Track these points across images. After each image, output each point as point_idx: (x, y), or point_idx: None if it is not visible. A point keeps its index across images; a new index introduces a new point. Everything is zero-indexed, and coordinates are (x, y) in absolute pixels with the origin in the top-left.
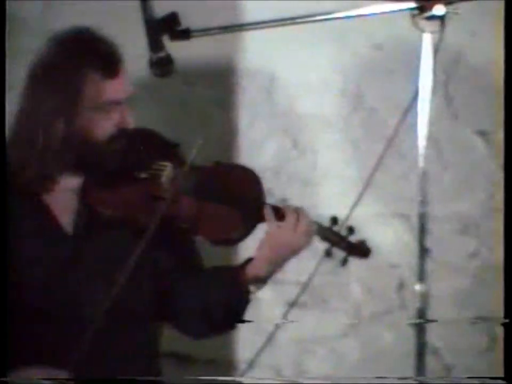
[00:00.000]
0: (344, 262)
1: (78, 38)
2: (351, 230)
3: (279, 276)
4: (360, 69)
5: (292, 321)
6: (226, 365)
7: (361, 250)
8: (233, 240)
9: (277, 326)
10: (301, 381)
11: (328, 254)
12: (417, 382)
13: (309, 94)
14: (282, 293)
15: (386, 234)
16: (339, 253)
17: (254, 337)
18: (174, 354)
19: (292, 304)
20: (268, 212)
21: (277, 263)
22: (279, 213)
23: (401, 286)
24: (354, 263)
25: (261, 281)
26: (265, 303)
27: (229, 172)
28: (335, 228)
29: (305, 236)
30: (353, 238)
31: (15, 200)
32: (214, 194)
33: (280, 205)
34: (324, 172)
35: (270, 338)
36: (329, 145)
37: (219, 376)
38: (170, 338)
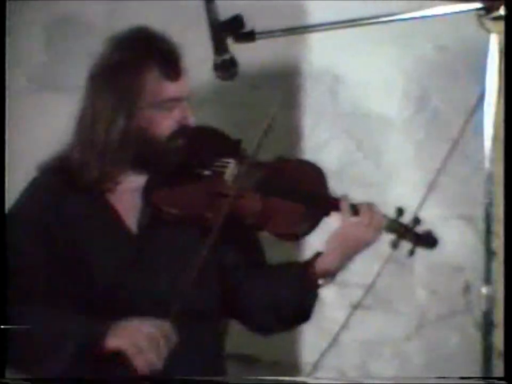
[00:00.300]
0: (411, 253)
1: (137, 36)
2: (417, 220)
3: (343, 278)
4: (424, 70)
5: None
6: (290, 366)
7: (428, 240)
8: (299, 235)
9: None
10: (364, 381)
11: (394, 245)
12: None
13: (373, 95)
14: (347, 295)
15: (452, 237)
16: (406, 245)
17: (318, 339)
18: (239, 355)
19: (356, 306)
20: (344, 207)
21: (347, 257)
22: (353, 209)
23: (466, 288)
24: (419, 265)
25: (330, 275)
26: (330, 305)
27: (292, 166)
28: (401, 219)
29: (376, 229)
30: (419, 229)
31: (80, 200)
32: (278, 189)
33: (353, 201)
34: (388, 174)
35: (334, 340)
36: (393, 146)
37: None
38: (236, 339)
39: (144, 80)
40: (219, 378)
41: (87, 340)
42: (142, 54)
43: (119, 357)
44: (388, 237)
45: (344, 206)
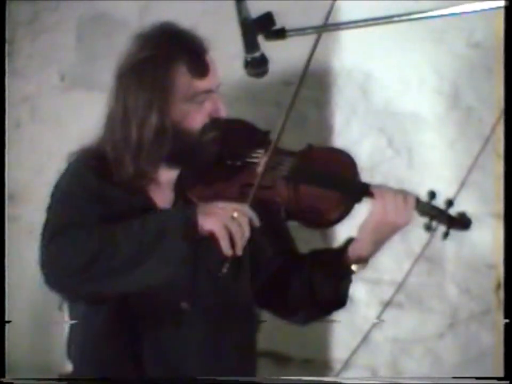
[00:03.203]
0: (445, 235)
1: (163, 32)
2: (450, 203)
3: (374, 275)
4: (457, 67)
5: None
6: (321, 364)
7: (461, 222)
8: (332, 222)
9: (373, 326)
10: (397, 381)
11: (428, 228)
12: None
13: (405, 93)
14: (378, 293)
15: (484, 235)
16: (440, 228)
17: (349, 337)
18: (270, 353)
19: (387, 304)
20: (376, 192)
21: (379, 241)
22: (383, 193)
23: (499, 286)
24: (451, 263)
25: (363, 260)
26: (361, 302)
27: (322, 154)
28: (434, 202)
29: (406, 211)
30: (452, 211)
31: (119, 187)
32: (309, 177)
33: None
34: (420, 171)
35: (366, 338)
36: (425, 144)
37: (314, 376)
38: (268, 336)
39: (174, 75)
40: (247, 379)
41: (184, 221)
42: (169, 50)
43: (211, 238)
44: (419, 233)
45: (376, 191)
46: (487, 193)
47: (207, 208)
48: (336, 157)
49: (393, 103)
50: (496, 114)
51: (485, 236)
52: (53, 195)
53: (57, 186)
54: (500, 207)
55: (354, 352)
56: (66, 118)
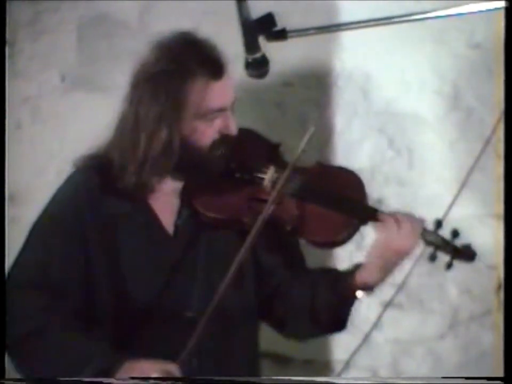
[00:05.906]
0: (449, 266)
1: (182, 43)
2: (455, 233)
3: None
4: (457, 68)
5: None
6: (322, 365)
7: (466, 254)
8: (337, 243)
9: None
10: (397, 381)
11: (432, 258)
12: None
13: (406, 93)
14: (379, 294)
15: (485, 235)
16: (444, 257)
17: (350, 337)
18: (271, 354)
19: (387, 305)
20: (383, 219)
21: (387, 270)
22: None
23: (500, 287)
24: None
25: (370, 288)
26: (361, 303)
27: (331, 173)
28: (440, 232)
29: (412, 238)
30: (458, 242)
31: (119, 199)
32: (317, 196)
33: (386, 211)
34: (420, 172)
35: (366, 339)
36: (426, 145)
37: (315, 376)
38: (268, 338)
39: (188, 91)
40: (248, 379)
41: (101, 369)
42: (186, 65)
43: None
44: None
45: (383, 217)
46: (488, 194)
47: (131, 367)
48: (345, 178)
49: (393, 103)
50: (497, 115)
51: (485, 237)
52: (31, 236)
53: (37, 223)
54: (500, 207)
55: (354, 352)
56: (67, 119)
